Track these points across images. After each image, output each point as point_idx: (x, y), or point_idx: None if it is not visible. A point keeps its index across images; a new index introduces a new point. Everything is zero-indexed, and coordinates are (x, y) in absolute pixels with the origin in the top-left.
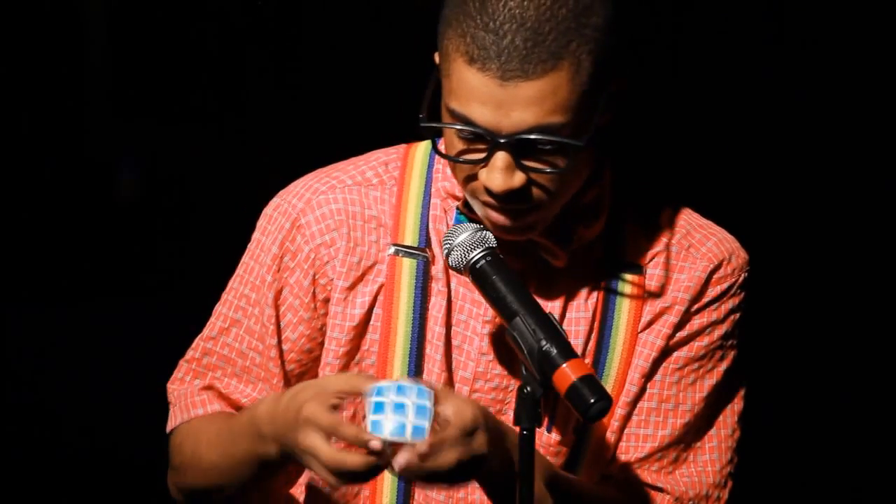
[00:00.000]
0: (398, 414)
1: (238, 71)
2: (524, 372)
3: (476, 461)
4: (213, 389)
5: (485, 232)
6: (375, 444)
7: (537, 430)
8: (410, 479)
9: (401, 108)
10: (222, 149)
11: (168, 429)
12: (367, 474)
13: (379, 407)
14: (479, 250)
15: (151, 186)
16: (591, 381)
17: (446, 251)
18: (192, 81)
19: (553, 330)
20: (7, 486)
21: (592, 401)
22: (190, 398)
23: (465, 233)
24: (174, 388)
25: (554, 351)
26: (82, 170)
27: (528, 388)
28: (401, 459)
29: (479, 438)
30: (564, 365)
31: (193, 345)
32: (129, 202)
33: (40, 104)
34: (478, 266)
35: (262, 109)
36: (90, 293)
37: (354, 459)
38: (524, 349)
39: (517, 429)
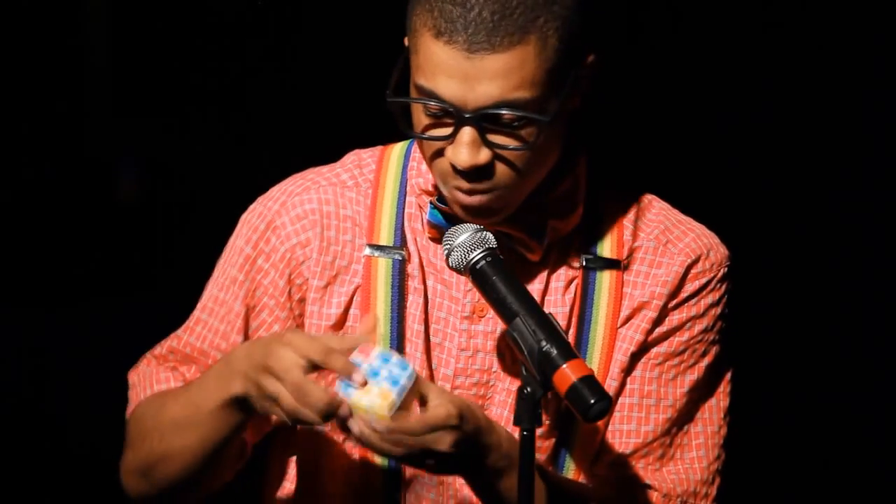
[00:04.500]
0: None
1: (238, 71)
2: (524, 372)
3: (436, 456)
4: (178, 371)
5: (485, 232)
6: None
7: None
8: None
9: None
10: (222, 149)
11: (129, 412)
12: (324, 413)
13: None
14: (479, 251)
15: (152, 186)
16: (592, 382)
17: (446, 252)
18: (193, 81)
19: (553, 330)
20: (8, 486)
21: (592, 401)
22: (154, 376)
23: (465, 233)
24: (135, 374)
25: (554, 351)
26: (82, 170)
27: (529, 389)
28: (354, 426)
29: (446, 438)
30: (565, 365)
31: (161, 342)
32: (130, 202)
33: (40, 104)
34: (478, 267)
35: (263, 110)
36: (90, 293)
37: (319, 391)
38: (524, 350)
39: (511, 429)
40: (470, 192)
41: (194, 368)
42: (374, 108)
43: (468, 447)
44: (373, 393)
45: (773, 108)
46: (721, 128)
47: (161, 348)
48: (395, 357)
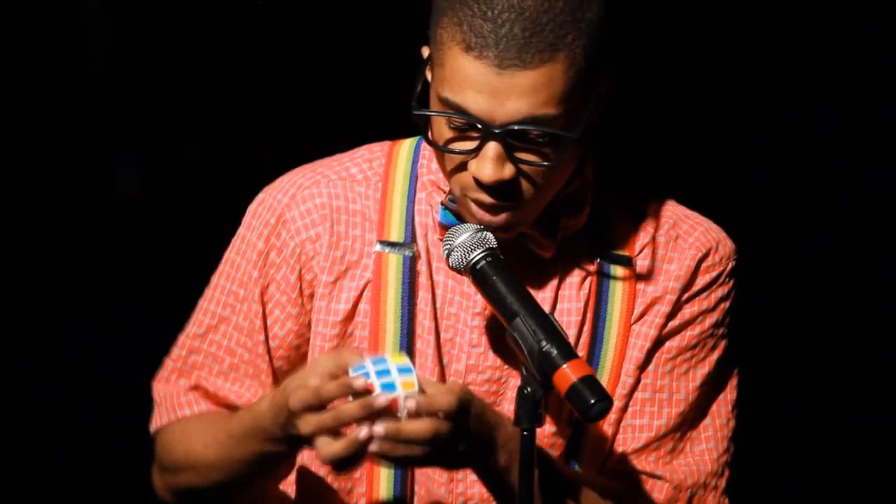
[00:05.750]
0: (382, 376)
1: (238, 71)
2: (524, 372)
3: (455, 439)
4: (200, 389)
5: (485, 232)
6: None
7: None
8: (386, 451)
9: (401, 107)
10: (222, 149)
11: (153, 428)
12: (352, 457)
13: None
14: (479, 251)
15: (151, 187)
16: (592, 382)
17: (446, 252)
18: (193, 81)
19: (553, 330)
20: (7, 486)
21: (593, 402)
22: (176, 398)
23: (466, 233)
24: (159, 387)
25: (554, 351)
26: (82, 170)
27: (529, 389)
28: (378, 428)
29: (459, 423)
30: (565, 365)
31: (179, 343)
32: (130, 202)
33: (40, 104)
34: (478, 267)
35: (262, 109)
36: (90, 293)
37: (337, 444)
38: (524, 350)
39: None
40: (491, 208)
41: (216, 370)
42: (374, 108)
43: (482, 432)
44: (397, 386)
45: (777, 107)
46: (725, 128)
47: (181, 350)
48: (388, 355)
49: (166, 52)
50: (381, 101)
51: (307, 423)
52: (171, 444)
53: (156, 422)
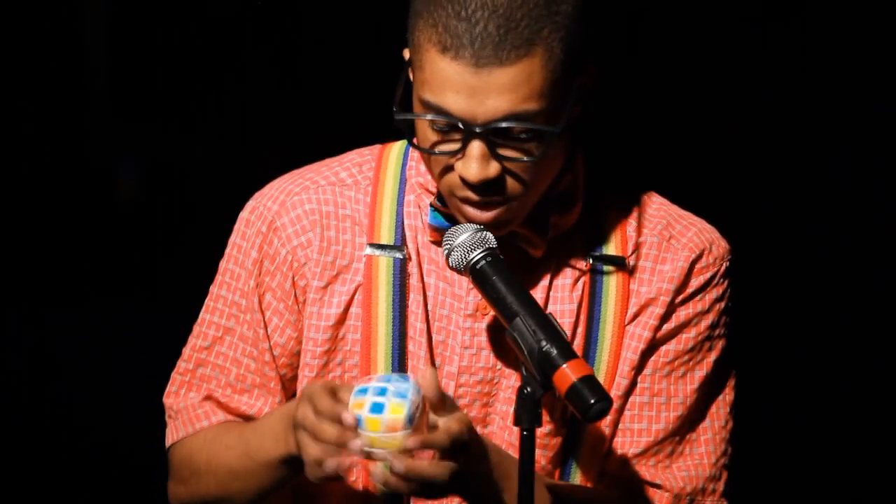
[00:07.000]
0: (379, 395)
1: (238, 72)
2: (524, 372)
3: (442, 486)
4: (213, 399)
5: (485, 232)
6: (347, 418)
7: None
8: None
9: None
10: (222, 149)
11: (168, 442)
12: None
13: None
14: (479, 251)
15: (152, 187)
16: (592, 382)
17: (446, 252)
18: (192, 82)
19: (553, 330)
20: (8, 486)
21: (592, 401)
22: (192, 411)
23: (465, 233)
24: (171, 401)
25: (554, 351)
26: (83, 170)
27: (528, 389)
28: (377, 470)
29: (445, 465)
30: (564, 365)
31: (185, 356)
32: (130, 203)
33: (40, 105)
34: (478, 266)
35: (263, 110)
36: (90, 293)
37: (330, 428)
38: (524, 350)
39: (502, 441)
40: (480, 206)
41: (224, 381)
42: (374, 108)
43: (473, 465)
44: (385, 410)
45: (771, 103)
46: (719, 125)
47: (188, 363)
48: (396, 375)
49: (166, 53)
50: (378, 103)
51: (301, 409)
52: (190, 456)
53: (172, 436)
